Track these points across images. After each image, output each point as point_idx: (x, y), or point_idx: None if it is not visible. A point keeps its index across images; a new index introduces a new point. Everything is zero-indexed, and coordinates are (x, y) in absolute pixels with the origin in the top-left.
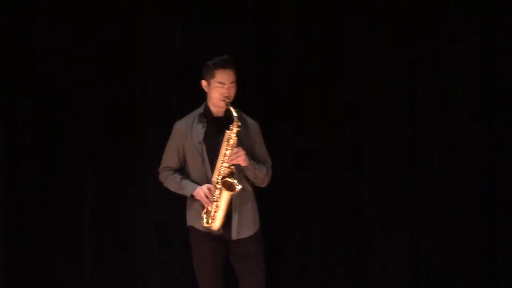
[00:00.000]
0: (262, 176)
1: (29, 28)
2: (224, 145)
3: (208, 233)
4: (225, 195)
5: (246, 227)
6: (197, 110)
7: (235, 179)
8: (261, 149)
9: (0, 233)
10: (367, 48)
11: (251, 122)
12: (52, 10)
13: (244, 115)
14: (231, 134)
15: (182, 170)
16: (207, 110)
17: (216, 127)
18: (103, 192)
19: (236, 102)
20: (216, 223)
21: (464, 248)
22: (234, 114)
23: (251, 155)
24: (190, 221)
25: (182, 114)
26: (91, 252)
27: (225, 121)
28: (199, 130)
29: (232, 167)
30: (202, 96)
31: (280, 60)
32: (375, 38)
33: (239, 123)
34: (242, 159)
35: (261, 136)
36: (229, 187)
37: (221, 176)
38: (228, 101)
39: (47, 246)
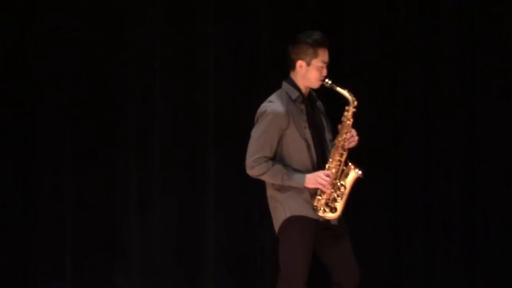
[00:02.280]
0: None
1: (23, 35)
2: (345, 128)
3: (316, 220)
4: (350, 180)
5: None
6: (281, 92)
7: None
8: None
9: None
10: None
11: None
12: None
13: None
14: (349, 116)
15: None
16: (300, 92)
17: (311, 110)
18: (84, 196)
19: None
20: (339, 211)
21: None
22: (347, 95)
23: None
24: (296, 210)
25: (165, 111)
26: (72, 259)
27: (312, 103)
28: (299, 114)
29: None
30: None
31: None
32: None
33: (356, 103)
34: (356, 141)
35: None
36: (354, 170)
37: (344, 161)
38: (329, 81)
39: (27, 250)
